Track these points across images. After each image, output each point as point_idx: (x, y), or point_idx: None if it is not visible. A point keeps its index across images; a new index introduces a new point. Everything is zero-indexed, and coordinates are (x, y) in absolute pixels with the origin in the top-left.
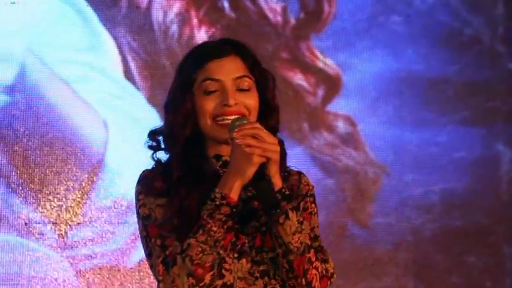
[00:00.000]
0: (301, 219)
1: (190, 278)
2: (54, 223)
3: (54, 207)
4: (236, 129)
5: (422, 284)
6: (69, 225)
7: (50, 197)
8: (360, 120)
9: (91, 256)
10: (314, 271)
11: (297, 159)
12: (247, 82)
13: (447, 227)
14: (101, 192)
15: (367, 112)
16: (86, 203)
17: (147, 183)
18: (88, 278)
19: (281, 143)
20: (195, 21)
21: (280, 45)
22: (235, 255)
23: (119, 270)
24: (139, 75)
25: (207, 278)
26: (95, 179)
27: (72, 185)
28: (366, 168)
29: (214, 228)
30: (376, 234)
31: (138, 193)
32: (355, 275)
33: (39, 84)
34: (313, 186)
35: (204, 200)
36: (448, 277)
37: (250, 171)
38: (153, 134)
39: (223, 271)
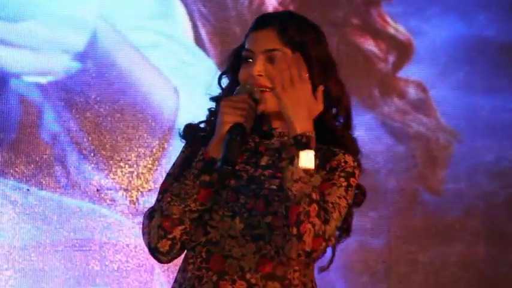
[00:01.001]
0: (311, 171)
1: (159, 230)
2: (126, 189)
3: (126, 173)
4: None
5: (494, 250)
6: (141, 191)
7: (121, 164)
8: (431, 86)
9: None
10: (309, 225)
11: (367, 125)
12: (278, 55)
13: None
14: (172, 159)
15: (439, 78)
16: (157, 169)
17: (186, 140)
18: None
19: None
20: None
21: (350, 11)
22: (229, 213)
23: None
24: (209, 41)
25: (177, 232)
26: (165, 146)
27: (143, 151)
28: (438, 135)
29: (187, 181)
30: (447, 201)
31: None
32: (426, 241)
33: (110, 51)
34: (352, 166)
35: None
36: None
37: (221, 129)
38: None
39: (208, 228)
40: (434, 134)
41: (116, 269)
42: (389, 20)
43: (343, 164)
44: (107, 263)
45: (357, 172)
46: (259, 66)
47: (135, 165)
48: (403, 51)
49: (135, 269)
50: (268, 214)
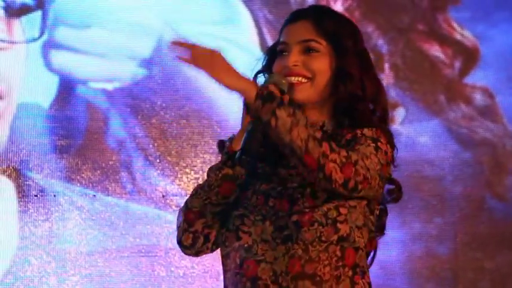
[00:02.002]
0: (291, 111)
1: (184, 223)
2: None
3: (191, 179)
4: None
5: None
6: None
7: (187, 170)
8: (498, 92)
9: None
10: (332, 164)
11: (433, 131)
12: (314, 45)
13: None
14: None
15: (506, 84)
16: None
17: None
18: None
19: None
20: None
21: (416, 16)
22: (259, 217)
23: None
24: None
25: (198, 226)
26: None
27: (208, 157)
28: (504, 141)
29: (211, 174)
30: None
31: None
32: (492, 248)
33: (176, 57)
34: (375, 134)
35: None
36: None
37: (244, 120)
38: None
39: (240, 233)
40: (501, 140)
41: (181, 275)
42: (455, 25)
43: (359, 134)
44: (172, 269)
45: (383, 140)
46: (294, 56)
47: (200, 172)
48: (469, 56)
49: (201, 275)
50: (293, 213)
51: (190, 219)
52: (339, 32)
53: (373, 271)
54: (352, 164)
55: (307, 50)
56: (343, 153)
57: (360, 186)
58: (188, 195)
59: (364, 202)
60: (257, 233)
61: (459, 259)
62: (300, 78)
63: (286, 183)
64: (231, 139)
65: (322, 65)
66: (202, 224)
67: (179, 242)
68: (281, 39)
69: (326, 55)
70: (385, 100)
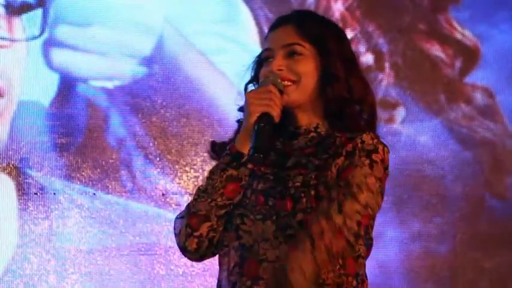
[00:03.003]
0: None
1: (187, 228)
2: (191, 194)
3: (191, 178)
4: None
5: None
6: None
7: (187, 168)
8: (498, 91)
9: None
10: (324, 241)
11: (433, 131)
12: (298, 49)
13: None
14: None
15: (506, 83)
16: None
17: (218, 155)
18: None
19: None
20: None
21: (417, 16)
22: (260, 216)
23: None
24: None
25: (203, 229)
26: None
27: (208, 156)
28: (504, 140)
29: (214, 176)
30: None
31: None
32: (492, 247)
33: (176, 55)
34: (372, 144)
35: None
36: None
37: (248, 120)
38: None
39: (240, 232)
40: (501, 140)
41: (181, 273)
42: (456, 25)
43: (359, 144)
44: (172, 267)
45: (380, 147)
46: (278, 61)
47: (200, 170)
48: (469, 56)
49: (200, 273)
50: (297, 212)
51: (194, 224)
52: (322, 34)
53: (372, 270)
54: (338, 230)
55: (291, 54)
56: (329, 220)
57: (362, 232)
58: (186, 194)
59: None
60: (258, 232)
61: (458, 259)
62: (285, 82)
63: (286, 182)
64: (232, 140)
65: (307, 67)
66: (208, 228)
67: (182, 248)
68: (265, 46)
69: (310, 58)
70: (373, 100)
